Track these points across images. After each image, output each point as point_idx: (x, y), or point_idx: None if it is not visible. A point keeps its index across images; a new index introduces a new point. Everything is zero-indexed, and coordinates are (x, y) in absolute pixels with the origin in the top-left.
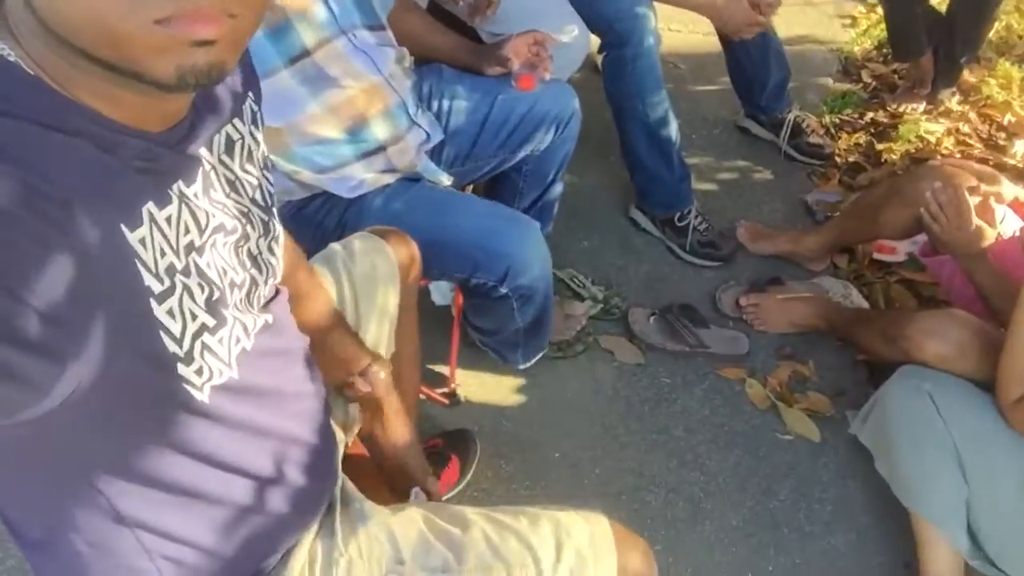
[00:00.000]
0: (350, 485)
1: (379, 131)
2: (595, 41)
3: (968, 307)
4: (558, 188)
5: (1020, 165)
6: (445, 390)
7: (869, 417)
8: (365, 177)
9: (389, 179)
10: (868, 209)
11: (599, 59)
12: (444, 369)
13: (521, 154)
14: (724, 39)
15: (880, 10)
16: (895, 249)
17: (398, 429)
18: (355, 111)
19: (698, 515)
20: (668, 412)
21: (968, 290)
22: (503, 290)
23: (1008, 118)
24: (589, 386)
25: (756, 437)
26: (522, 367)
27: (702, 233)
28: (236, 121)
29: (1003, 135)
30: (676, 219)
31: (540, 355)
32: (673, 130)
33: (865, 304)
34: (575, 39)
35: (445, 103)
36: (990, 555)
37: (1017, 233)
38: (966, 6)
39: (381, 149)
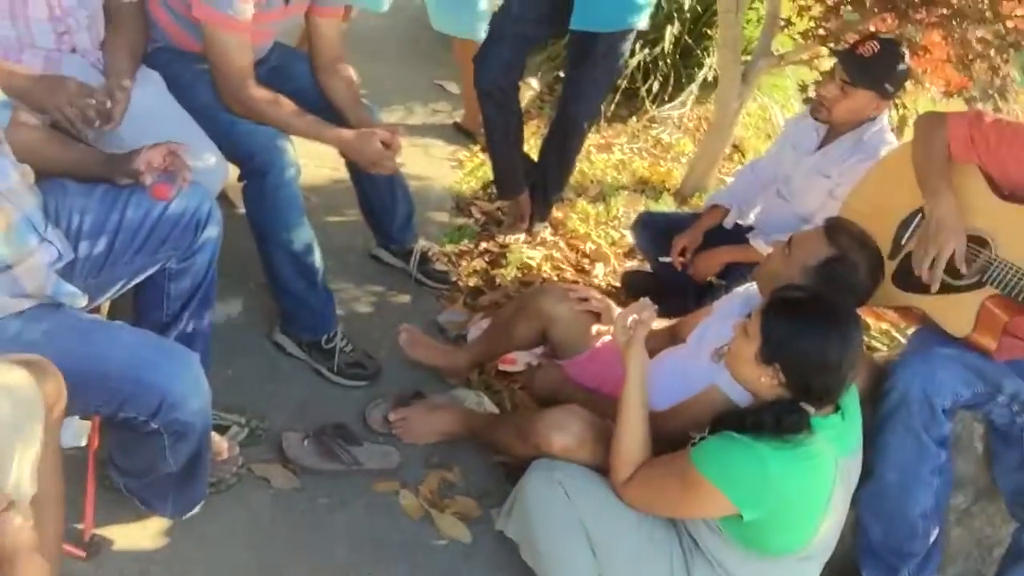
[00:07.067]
0: None
1: (2, 250)
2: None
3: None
4: (209, 304)
5: (603, 285)
6: (82, 540)
7: (512, 511)
8: None
9: (24, 304)
10: (502, 327)
11: (235, 188)
12: (79, 517)
13: (161, 257)
14: (353, 175)
15: (480, 155)
16: (515, 360)
17: None
18: None
19: None
20: (329, 533)
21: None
22: (154, 425)
23: (589, 246)
24: (244, 517)
25: (415, 547)
26: (172, 518)
27: (348, 354)
28: None
29: (587, 260)
30: (323, 342)
31: (196, 508)
32: (317, 256)
33: (496, 410)
34: (212, 167)
35: (74, 218)
36: None
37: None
38: (552, 155)
39: (7, 269)
